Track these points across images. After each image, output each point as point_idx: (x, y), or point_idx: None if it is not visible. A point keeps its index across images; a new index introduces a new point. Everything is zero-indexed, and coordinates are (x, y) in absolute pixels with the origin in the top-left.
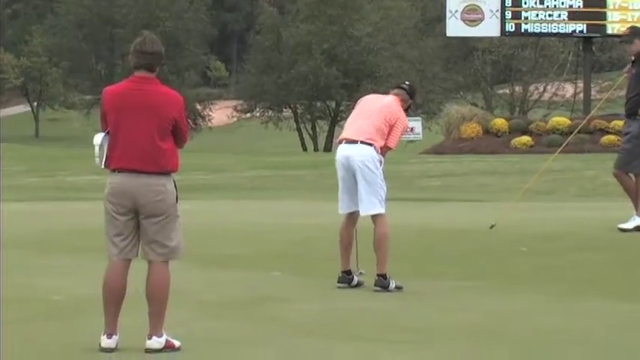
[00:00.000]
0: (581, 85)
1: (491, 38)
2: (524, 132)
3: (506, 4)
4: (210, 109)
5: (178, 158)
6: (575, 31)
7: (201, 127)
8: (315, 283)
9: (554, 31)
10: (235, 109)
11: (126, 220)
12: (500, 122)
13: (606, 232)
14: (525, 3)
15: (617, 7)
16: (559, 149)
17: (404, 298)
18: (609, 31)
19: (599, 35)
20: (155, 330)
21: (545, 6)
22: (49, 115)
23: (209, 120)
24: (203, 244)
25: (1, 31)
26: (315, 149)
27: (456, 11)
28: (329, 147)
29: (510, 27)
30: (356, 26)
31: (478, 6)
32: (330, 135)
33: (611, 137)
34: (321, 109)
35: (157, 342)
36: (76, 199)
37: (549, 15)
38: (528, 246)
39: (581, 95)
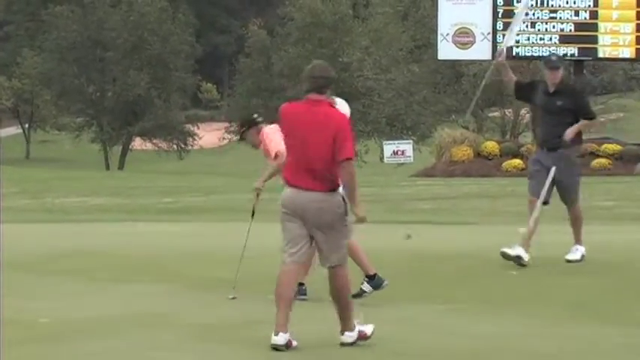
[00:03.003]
0: None
1: (481, 63)
2: (516, 155)
3: (498, 28)
4: (197, 126)
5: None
6: (566, 54)
7: (191, 147)
8: (308, 307)
9: (545, 54)
10: (227, 130)
11: (296, 229)
12: (491, 145)
13: (596, 256)
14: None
15: (608, 30)
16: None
17: (397, 323)
18: (600, 55)
19: (590, 59)
20: (346, 326)
21: (536, 29)
22: (40, 137)
23: (199, 138)
24: (193, 267)
25: None
26: None
27: (448, 34)
28: None
29: None
30: (346, 51)
31: (469, 29)
32: None
33: (602, 161)
34: None
35: (349, 336)
36: (64, 221)
37: (541, 38)
38: (518, 269)
39: None
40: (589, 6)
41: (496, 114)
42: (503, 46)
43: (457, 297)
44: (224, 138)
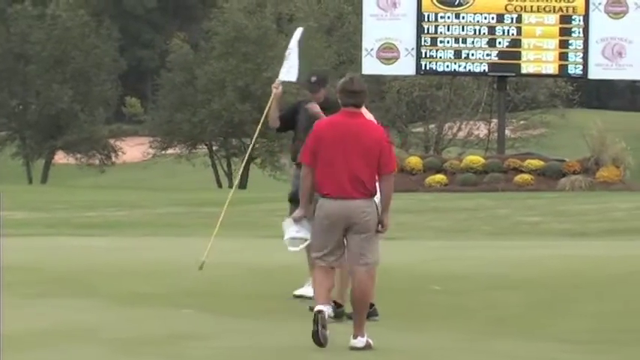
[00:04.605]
0: (494, 123)
1: (404, 79)
2: (439, 170)
3: (422, 43)
4: (122, 140)
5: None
6: (489, 70)
7: (113, 162)
8: (228, 321)
9: (468, 70)
10: (151, 146)
11: (334, 237)
12: (414, 160)
13: (518, 272)
14: (441, 42)
15: (531, 46)
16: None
17: None
18: (524, 71)
19: (513, 74)
20: (359, 331)
21: (460, 45)
22: None
23: (122, 152)
24: (116, 281)
25: None
26: (230, 186)
27: (372, 49)
28: (244, 184)
29: (425, 65)
30: (270, 65)
31: (394, 44)
32: (246, 172)
33: (525, 176)
34: (236, 145)
35: (360, 341)
36: None
37: (464, 54)
38: (441, 285)
39: (496, 134)
40: (512, 22)
41: (420, 129)
42: (279, 79)
43: (381, 312)
44: (148, 153)
